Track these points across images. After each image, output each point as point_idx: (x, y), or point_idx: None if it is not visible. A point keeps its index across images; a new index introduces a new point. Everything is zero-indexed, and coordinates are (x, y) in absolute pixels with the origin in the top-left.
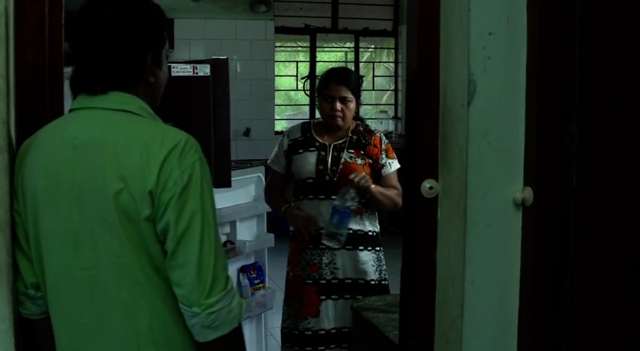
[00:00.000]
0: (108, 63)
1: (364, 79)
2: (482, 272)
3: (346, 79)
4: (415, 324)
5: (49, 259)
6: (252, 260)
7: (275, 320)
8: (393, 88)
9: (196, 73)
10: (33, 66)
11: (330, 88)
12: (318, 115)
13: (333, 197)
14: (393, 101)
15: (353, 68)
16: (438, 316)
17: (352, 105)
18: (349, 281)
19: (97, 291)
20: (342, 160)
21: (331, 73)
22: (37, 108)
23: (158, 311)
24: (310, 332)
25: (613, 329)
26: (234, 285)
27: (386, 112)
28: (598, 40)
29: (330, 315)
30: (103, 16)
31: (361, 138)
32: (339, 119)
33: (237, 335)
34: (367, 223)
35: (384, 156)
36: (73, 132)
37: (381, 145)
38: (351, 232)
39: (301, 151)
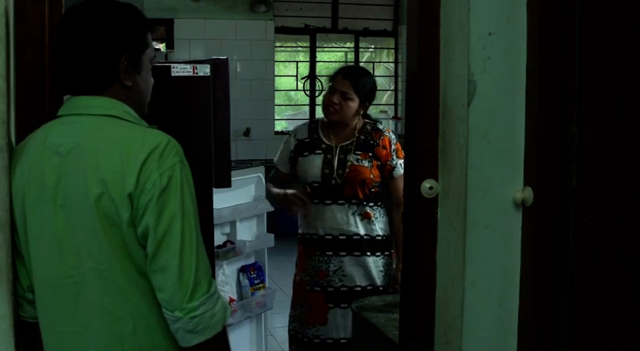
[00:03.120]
0: (80, 66)
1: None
2: (483, 272)
3: (352, 75)
4: (415, 324)
5: (36, 266)
6: (252, 260)
7: (275, 320)
8: (393, 88)
9: (196, 73)
10: (33, 66)
11: (335, 80)
12: (319, 114)
13: (339, 202)
14: (393, 101)
15: None
16: (438, 316)
17: (352, 104)
18: (359, 289)
19: (81, 298)
20: (349, 163)
21: (343, 67)
22: (37, 108)
23: (142, 316)
24: (319, 340)
25: (613, 329)
26: (234, 286)
27: (386, 112)
28: (598, 40)
29: (339, 324)
30: (77, 20)
31: (369, 138)
32: (334, 112)
33: (221, 340)
34: (375, 227)
35: (394, 157)
36: (57, 139)
37: (390, 146)
38: (359, 238)
39: (307, 153)
